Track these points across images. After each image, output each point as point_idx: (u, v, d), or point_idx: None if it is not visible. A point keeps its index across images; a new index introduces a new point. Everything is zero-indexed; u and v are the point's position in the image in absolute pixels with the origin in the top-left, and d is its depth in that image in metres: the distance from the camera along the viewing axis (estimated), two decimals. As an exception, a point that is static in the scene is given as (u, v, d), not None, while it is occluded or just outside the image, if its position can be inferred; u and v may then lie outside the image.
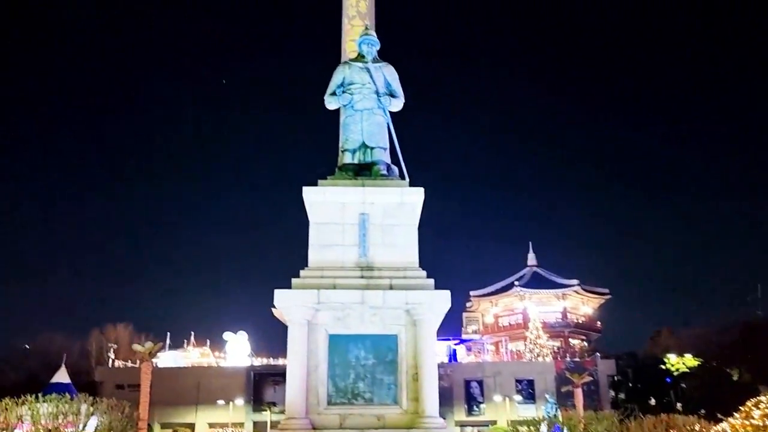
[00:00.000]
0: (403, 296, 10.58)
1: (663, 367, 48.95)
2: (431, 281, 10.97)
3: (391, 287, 10.73)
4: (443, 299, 10.64)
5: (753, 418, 12.00)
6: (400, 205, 11.55)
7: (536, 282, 65.39)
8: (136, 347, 29.00)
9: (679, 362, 48.51)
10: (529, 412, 41.17)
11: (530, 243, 69.79)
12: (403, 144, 12.48)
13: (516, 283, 64.74)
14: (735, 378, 47.63)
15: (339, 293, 10.55)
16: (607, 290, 65.59)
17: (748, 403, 12.63)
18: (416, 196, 11.64)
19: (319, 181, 11.65)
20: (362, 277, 10.92)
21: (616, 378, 49.36)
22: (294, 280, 10.76)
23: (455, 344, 56.08)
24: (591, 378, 42.91)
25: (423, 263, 11.37)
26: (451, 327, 61.15)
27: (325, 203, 11.41)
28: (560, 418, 30.25)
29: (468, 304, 67.74)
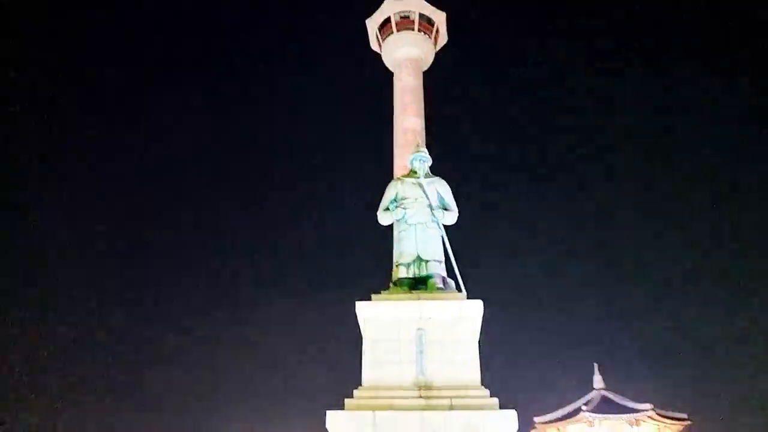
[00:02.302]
0: (466, 417, 9.85)
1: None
2: (495, 401, 10.23)
3: (451, 407, 10.05)
4: (509, 419, 9.85)
5: None
6: (459, 320, 11.11)
7: (605, 406, 60.96)
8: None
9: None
10: None
11: (595, 364, 66.16)
12: (458, 258, 12.27)
13: (583, 408, 60.59)
14: None
15: (396, 415, 9.91)
16: (685, 415, 60.57)
17: None
18: (475, 309, 11.21)
19: (373, 296, 11.41)
20: (420, 396, 10.29)
21: None
22: (347, 401, 10.23)
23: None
24: None
25: (485, 384, 10.71)
26: (515, 457, 56.90)
27: (380, 318, 11.09)
28: None
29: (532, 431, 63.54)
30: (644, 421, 60.01)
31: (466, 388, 10.45)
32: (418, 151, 13.07)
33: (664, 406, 61.79)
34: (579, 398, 64.08)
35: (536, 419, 63.13)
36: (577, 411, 61.12)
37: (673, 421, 60.86)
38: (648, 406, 59.99)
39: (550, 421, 62.64)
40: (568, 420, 61.74)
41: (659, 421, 59.97)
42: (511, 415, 9.87)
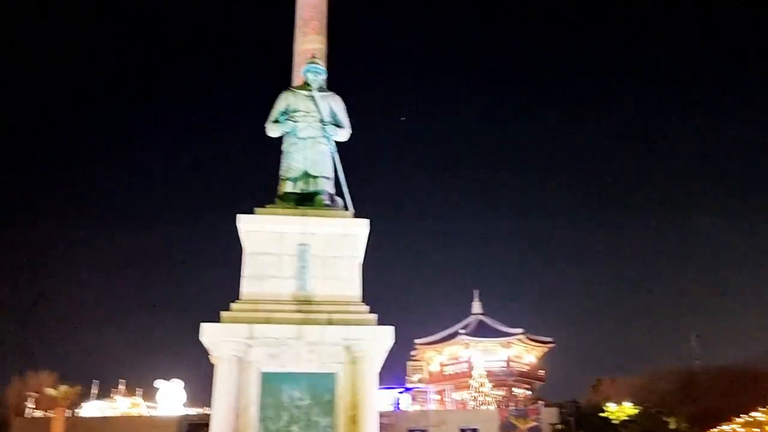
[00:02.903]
0: (344, 332, 9.93)
1: (603, 415, 49.12)
2: (374, 317, 10.37)
3: (330, 322, 10.07)
4: (387, 335, 10.04)
5: None
6: (344, 237, 11.02)
7: (481, 330, 65.34)
8: (50, 391, 26.80)
9: (618, 411, 48.80)
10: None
11: (475, 291, 70.08)
12: (348, 177, 12.07)
13: (461, 331, 64.55)
14: (673, 426, 48.20)
15: (274, 328, 9.80)
16: (551, 339, 66.09)
17: None
18: (361, 227, 11.16)
19: (256, 209, 11.02)
20: (299, 311, 10.22)
21: (559, 426, 49.17)
22: (224, 314, 9.96)
23: (400, 393, 54.96)
24: (535, 425, 42.59)
25: (367, 303, 10.77)
26: (395, 375, 60.10)
27: (262, 232, 10.75)
28: None
29: (413, 353, 66.97)
30: (515, 344, 64.97)
31: (347, 303, 10.48)
32: (312, 62, 12.47)
33: (534, 331, 67.00)
34: (458, 323, 68.08)
35: (417, 341, 66.57)
36: (455, 334, 65.02)
37: (540, 344, 66.38)
38: (519, 330, 64.86)
39: (430, 343, 66.31)
40: (446, 342, 65.62)
41: (527, 343, 65.17)
42: (389, 330, 10.05)
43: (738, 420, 11.38)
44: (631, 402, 49.10)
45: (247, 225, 10.79)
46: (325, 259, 10.78)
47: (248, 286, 10.47)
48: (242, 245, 10.87)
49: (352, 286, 10.73)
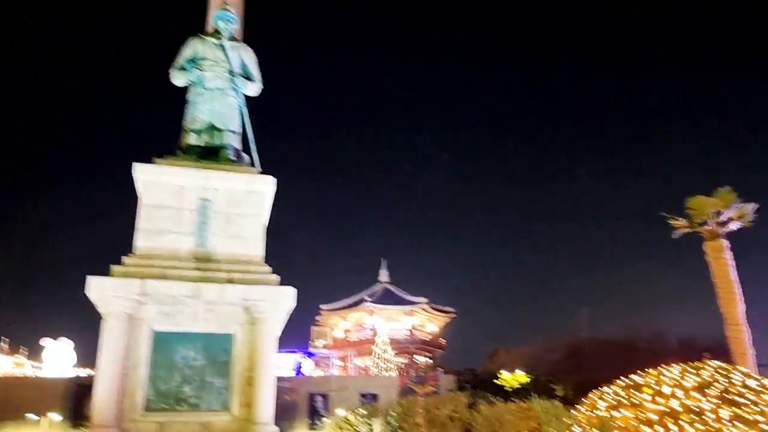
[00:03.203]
0: (244, 291, 9.62)
1: (498, 382, 51.51)
2: (276, 278, 10.10)
3: (230, 281, 9.72)
4: (288, 297, 9.82)
5: (599, 409, 12.43)
6: (248, 194, 10.62)
7: (386, 298, 66.31)
8: None
9: (512, 378, 51.35)
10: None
11: (383, 260, 70.89)
12: (257, 134, 11.61)
13: (366, 298, 65.22)
14: (560, 393, 51.36)
15: (169, 285, 9.34)
16: (452, 309, 68.14)
17: (593, 395, 13.15)
18: (267, 185, 10.79)
19: (156, 160, 10.38)
20: (198, 269, 9.78)
21: (456, 392, 51.09)
22: (114, 268, 9.36)
23: (302, 357, 55.08)
24: (433, 390, 43.95)
25: (273, 268, 10.39)
26: (298, 340, 60.14)
27: (161, 184, 10.16)
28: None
29: (317, 318, 67.13)
30: (418, 313, 66.50)
31: (248, 263, 10.14)
32: (223, 9, 11.79)
33: (438, 300, 68.82)
34: (365, 290, 68.75)
35: (322, 306, 66.69)
36: (361, 301, 65.66)
37: (442, 314, 68.32)
38: (423, 299, 66.41)
39: (335, 309, 66.63)
40: (351, 309, 66.16)
41: (431, 313, 66.90)
42: (291, 292, 9.83)
43: (619, 383, 12.24)
44: (524, 371, 51.81)
45: (145, 175, 10.16)
46: (228, 216, 10.35)
47: (143, 240, 9.89)
48: (139, 197, 10.25)
49: (255, 246, 10.39)
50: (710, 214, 25.96)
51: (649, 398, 12.09)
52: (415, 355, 63.94)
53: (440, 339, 69.11)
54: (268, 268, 10.23)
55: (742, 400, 11.41)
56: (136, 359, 9.08)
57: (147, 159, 10.35)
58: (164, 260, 9.71)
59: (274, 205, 11.28)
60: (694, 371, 12.52)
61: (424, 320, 67.23)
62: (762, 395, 11.63)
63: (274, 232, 11.24)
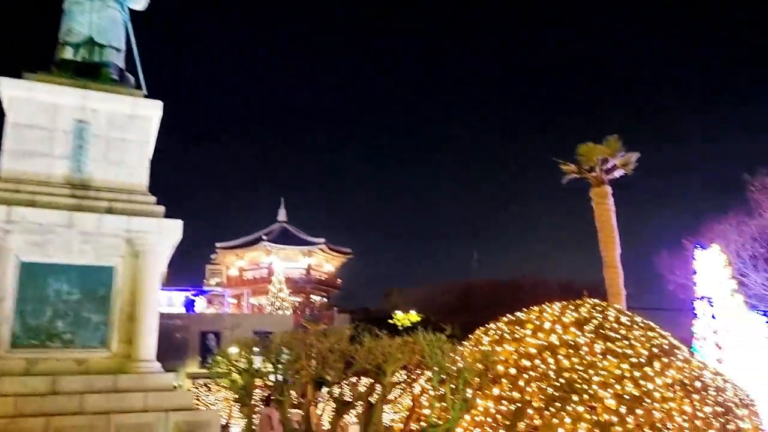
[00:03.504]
0: (125, 222, 8.96)
1: (391, 321, 53.16)
2: (162, 209, 9.48)
3: (110, 211, 9.02)
4: (174, 229, 9.27)
5: (483, 344, 12.98)
6: (132, 118, 9.79)
7: (284, 238, 65.77)
8: None
9: (404, 318, 53.14)
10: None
11: (282, 199, 69.97)
12: (143, 52, 10.66)
13: (264, 237, 64.38)
14: (448, 332, 53.98)
15: (39, 212, 8.51)
16: (349, 250, 68.80)
17: (478, 332, 13.72)
18: (153, 110, 9.99)
19: (25, 74, 9.29)
20: (73, 196, 8.98)
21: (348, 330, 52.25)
22: (-28, 197, 8.41)
23: (193, 295, 53.94)
24: (326, 328, 44.66)
25: (161, 201, 9.71)
26: (193, 278, 58.79)
27: (31, 101, 9.13)
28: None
29: (213, 256, 65.66)
30: (316, 253, 66.64)
31: (131, 192, 9.43)
32: None
33: (335, 241, 69.17)
34: (263, 229, 67.74)
35: (218, 244, 65.20)
36: (258, 240, 64.78)
37: (339, 254, 68.91)
38: (321, 240, 66.49)
39: (231, 248, 65.34)
40: (248, 248, 65.15)
41: (328, 253, 67.24)
42: (177, 224, 9.29)
43: (503, 319, 12.93)
44: (416, 311, 53.71)
45: (12, 90, 9.10)
46: (109, 141, 9.52)
47: (9, 162, 8.92)
48: (6, 115, 9.18)
49: (139, 174, 9.67)
50: (597, 160, 27.32)
51: (530, 333, 12.75)
52: (311, 295, 64.39)
53: (336, 279, 69.92)
54: (153, 198, 9.59)
55: (614, 335, 12.30)
56: (2, 292, 8.30)
57: (17, 74, 9.27)
58: (34, 185, 8.82)
59: (164, 134, 10.53)
60: (573, 308, 13.31)
61: (321, 260, 67.54)
62: (633, 331, 12.60)
63: (169, 163, 10.54)
